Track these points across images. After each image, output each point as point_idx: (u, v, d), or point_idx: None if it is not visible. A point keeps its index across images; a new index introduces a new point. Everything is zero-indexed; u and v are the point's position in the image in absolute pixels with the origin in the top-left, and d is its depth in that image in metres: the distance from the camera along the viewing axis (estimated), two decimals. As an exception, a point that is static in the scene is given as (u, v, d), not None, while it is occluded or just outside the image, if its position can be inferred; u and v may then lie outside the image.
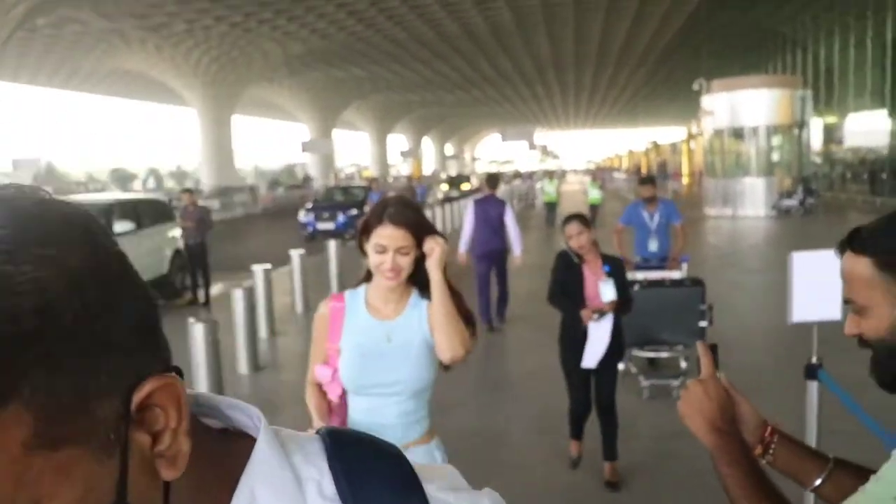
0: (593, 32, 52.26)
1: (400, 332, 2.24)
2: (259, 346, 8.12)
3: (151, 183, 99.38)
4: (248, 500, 0.65)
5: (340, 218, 22.63)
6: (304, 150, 57.32)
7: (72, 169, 78.97)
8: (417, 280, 2.27)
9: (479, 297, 9.23)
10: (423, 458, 2.20)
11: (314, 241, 20.83)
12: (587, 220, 4.68)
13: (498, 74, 70.77)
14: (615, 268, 4.67)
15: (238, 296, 7.80)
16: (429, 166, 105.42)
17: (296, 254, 10.84)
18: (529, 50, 59.20)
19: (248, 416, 0.70)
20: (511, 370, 8.01)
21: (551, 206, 25.20)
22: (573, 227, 4.54)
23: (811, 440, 3.46)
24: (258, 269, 9.31)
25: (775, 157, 26.70)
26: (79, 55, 58.10)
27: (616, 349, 4.72)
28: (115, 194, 16.99)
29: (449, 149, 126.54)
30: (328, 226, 22.50)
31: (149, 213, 12.13)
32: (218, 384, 5.97)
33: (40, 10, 39.71)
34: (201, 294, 11.86)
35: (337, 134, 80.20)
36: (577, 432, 4.96)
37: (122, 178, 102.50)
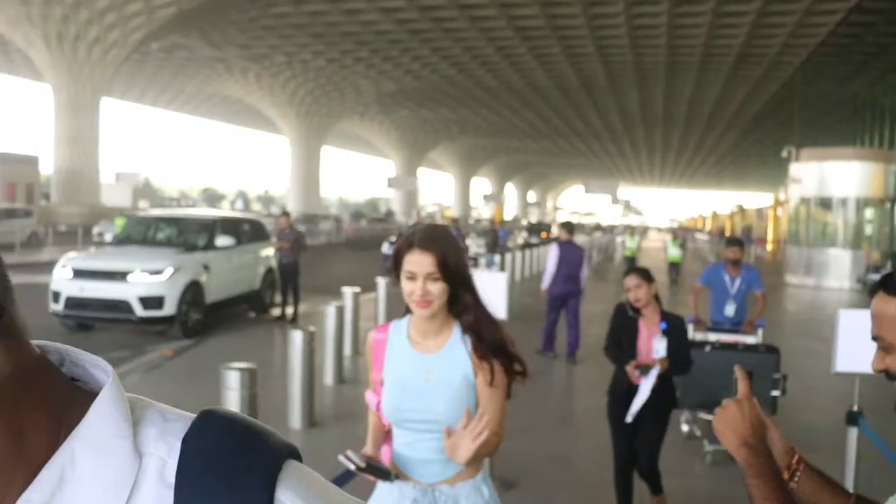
0: (684, 93, 52.26)
1: (440, 367, 2.14)
2: (344, 361, 8.64)
3: (240, 205, 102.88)
4: (67, 462, 0.58)
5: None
6: (389, 186, 58.59)
7: (166, 185, 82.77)
8: (456, 311, 2.17)
9: (547, 322, 10.16)
10: (470, 493, 2.11)
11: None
12: (648, 274, 4.64)
13: (586, 127, 71.17)
14: (673, 325, 4.53)
15: (330, 312, 8.37)
16: (510, 211, 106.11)
17: (382, 281, 11.47)
18: (619, 106, 59.47)
19: (107, 375, 0.64)
20: (576, 406, 8.27)
21: (631, 261, 25.40)
22: (631, 280, 4.50)
23: (849, 483, 3.67)
24: (348, 291, 9.92)
25: (864, 229, 26.27)
26: (183, 79, 61.15)
27: (661, 410, 4.49)
28: (219, 212, 17.90)
29: (531, 196, 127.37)
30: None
31: (247, 232, 12.97)
32: (309, 388, 6.47)
33: (155, 36, 42.20)
34: (290, 311, 12.51)
35: (422, 172, 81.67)
36: (624, 500, 4.67)
37: (212, 198, 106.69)
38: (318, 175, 64.36)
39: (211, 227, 11.82)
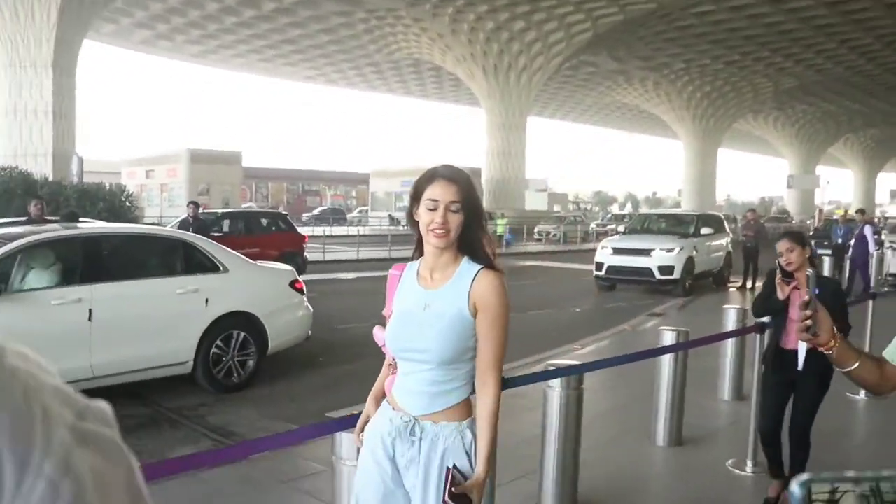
0: None
1: (438, 301, 2.17)
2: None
3: (629, 207, 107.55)
4: None
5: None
6: (789, 186, 58.17)
7: (563, 189, 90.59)
8: (466, 245, 2.20)
9: None
10: (451, 434, 2.11)
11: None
12: (801, 237, 4.36)
13: None
14: (828, 291, 4.05)
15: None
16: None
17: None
18: None
19: None
20: None
21: None
22: (784, 244, 4.21)
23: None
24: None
25: None
26: (585, 92, 66.96)
27: (824, 373, 4.09)
28: (696, 211, 22.49)
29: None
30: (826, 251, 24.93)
31: (715, 224, 16.93)
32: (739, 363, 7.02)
33: (570, 59, 47.90)
34: (749, 284, 16.00)
35: (820, 170, 78.54)
36: (774, 468, 4.45)
37: (603, 201, 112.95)
38: (713, 176, 65.87)
39: (696, 221, 16.39)
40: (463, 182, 2.15)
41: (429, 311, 2.17)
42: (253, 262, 7.74)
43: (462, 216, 2.12)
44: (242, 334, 6.94)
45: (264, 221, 17.73)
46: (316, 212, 54.88)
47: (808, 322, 1.91)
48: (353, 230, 32.82)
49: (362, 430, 2.34)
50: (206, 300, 6.72)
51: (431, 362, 2.12)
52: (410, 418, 2.14)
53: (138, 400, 6.51)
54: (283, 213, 20.32)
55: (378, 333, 2.38)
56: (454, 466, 2.07)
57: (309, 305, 7.83)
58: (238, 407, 6.45)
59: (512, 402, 6.36)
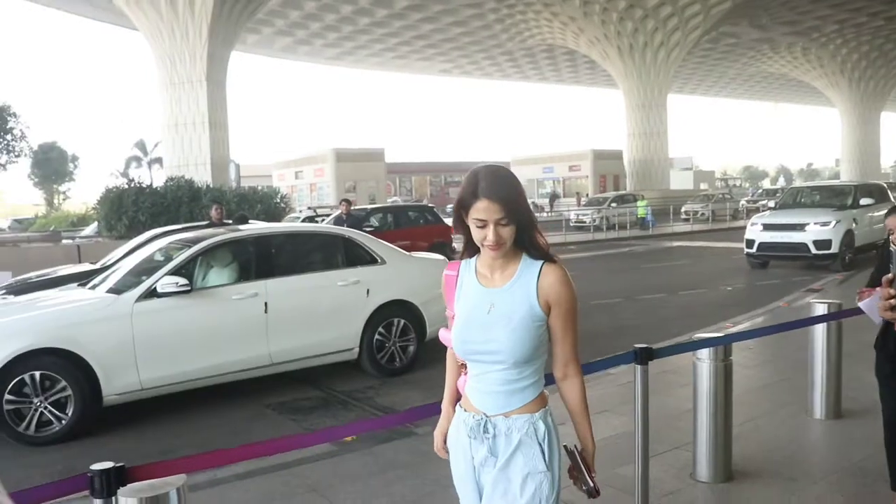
0: None
1: (505, 300, 2.11)
2: None
3: (781, 181, 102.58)
4: None
5: None
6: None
7: (709, 166, 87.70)
8: (522, 243, 2.15)
9: None
10: (524, 426, 2.10)
11: None
12: None
13: None
14: None
15: None
16: None
17: None
18: None
19: None
20: None
21: None
22: (893, 220, 3.94)
23: None
24: None
25: None
26: (725, 64, 64.35)
27: None
28: (855, 181, 21.61)
29: None
30: None
31: (877, 194, 16.06)
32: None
33: (709, 31, 46.16)
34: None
35: None
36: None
37: (754, 175, 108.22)
38: (875, 142, 61.75)
39: (854, 192, 15.58)
40: (506, 194, 2.04)
41: (495, 311, 2.11)
42: (408, 253, 8.23)
43: (513, 226, 2.06)
44: (402, 321, 7.42)
45: (412, 215, 18.46)
46: (459, 202, 55.72)
47: (894, 301, 1.77)
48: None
49: (444, 436, 2.33)
50: (367, 290, 7.24)
51: (505, 363, 2.09)
52: (482, 416, 2.13)
53: (312, 385, 7.12)
54: (430, 205, 21.00)
55: (445, 335, 2.32)
56: (574, 446, 2.15)
57: (461, 292, 8.22)
58: (402, 389, 6.92)
59: (664, 377, 6.50)
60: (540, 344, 2.11)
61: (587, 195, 46.18)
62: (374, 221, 16.57)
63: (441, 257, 8.64)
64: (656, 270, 16.57)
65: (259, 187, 21.96)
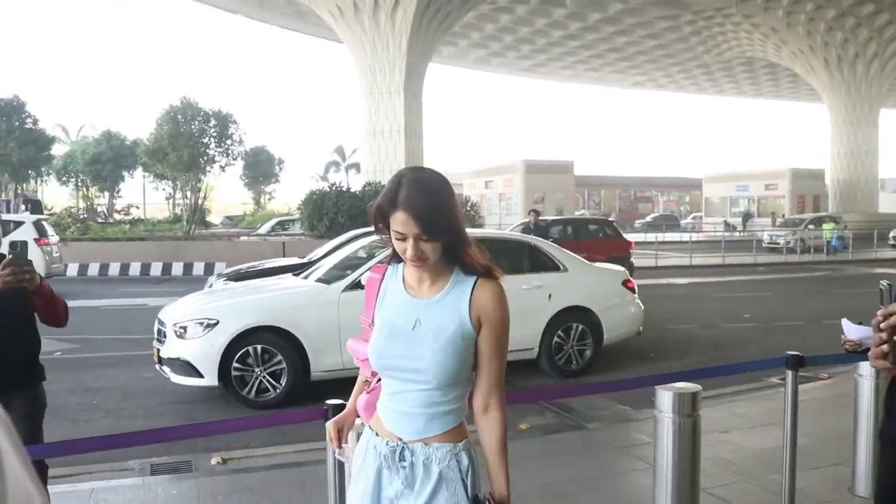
0: None
1: (433, 314, 1.90)
2: None
3: None
4: None
5: None
6: None
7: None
8: (453, 258, 1.92)
9: None
10: (445, 457, 1.86)
11: None
12: None
13: None
14: None
15: None
16: None
17: None
18: None
19: None
20: None
21: None
22: None
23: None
24: None
25: None
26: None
27: None
28: None
29: None
30: None
31: None
32: None
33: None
34: None
35: None
36: None
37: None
38: None
39: None
40: (427, 208, 1.81)
41: (421, 326, 1.89)
42: (589, 262, 8.73)
43: (436, 242, 1.84)
44: (581, 326, 7.93)
45: (592, 228, 18.88)
46: (648, 218, 55.04)
47: (885, 347, 1.52)
48: (685, 236, 32.64)
49: (337, 428, 2.12)
50: (549, 295, 7.81)
51: (427, 383, 1.86)
52: (397, 443, 1.89)
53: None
54: (611, 219, 21.24)
55: (355, 345, 2.12)
56: (490, 494, 1.89)
57: (640, 303, 8.61)
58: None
59: (826, 392, 6.60)
60: (465, 365, 1.90)
61: (783, 216, 44.05)
62: (554, 233, 17.09)
63: (621, 268, 9.06)
64: (849, 296, 15.88)
65: (450, 195, 23.17)
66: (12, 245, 2.85)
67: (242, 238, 26.66)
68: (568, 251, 8.61)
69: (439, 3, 30.85)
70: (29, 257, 2.83)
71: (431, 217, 1.81)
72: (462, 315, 1.88)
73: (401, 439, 1.89)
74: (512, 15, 43.76)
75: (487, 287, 1.90)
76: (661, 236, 33.12)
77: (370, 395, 2.04)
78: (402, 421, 1.90)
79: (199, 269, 20.40)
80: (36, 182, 36.15)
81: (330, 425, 2.13)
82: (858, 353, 2.79)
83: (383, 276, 2.04)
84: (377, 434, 1.95)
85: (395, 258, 2.00)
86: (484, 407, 1.93)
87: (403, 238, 1.83)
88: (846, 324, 2.89)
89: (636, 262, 18.57)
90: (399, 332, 1.92)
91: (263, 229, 30.16)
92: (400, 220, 1.82)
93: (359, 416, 2.11)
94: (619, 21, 44.22)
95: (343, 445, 2.11)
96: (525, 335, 7.68)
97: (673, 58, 53.77)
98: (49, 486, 4.33)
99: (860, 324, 2.69)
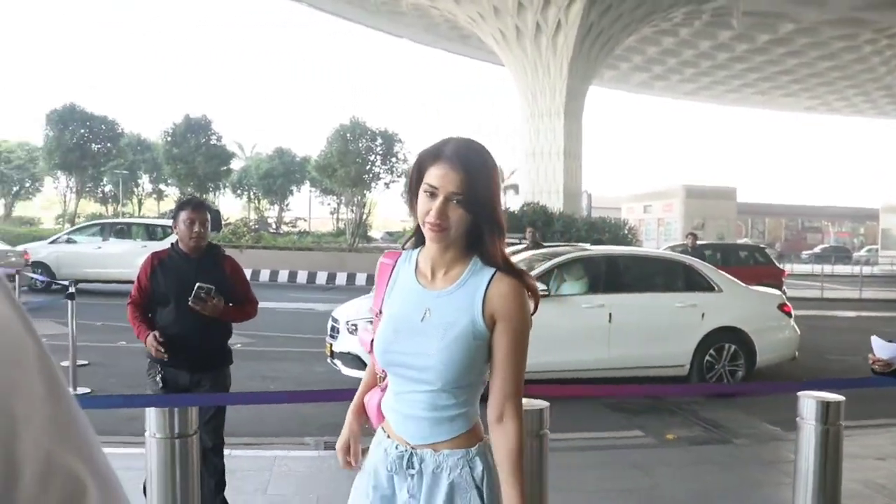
0: None
1: (443, 306, 1.74)
2: None
3: None
4: None
5: None
6: None
7: None
8: (474, 246, 1.76)
9: None
10: (458, 465, 1.71)
11: None
12: None
13: None
14: None
15: None
16: None
17: None
18: None
19: None
20: None
21: None
22: None
23: None
24: None
25: None
26: None
27: None
28: None
29: None
30: None
31: None
32: None
33: None
34: None
35: None
36: None
37: None
38: None
39: None
40: (473, 168, 1.69)
41: (430, 319, 1.74)
42: (745, 285, 8.73)
43: (466, 212, 1.68)
44: (733, 347, 7.96)
45: (742, 254, 18.59)
46: (816, 249, 52.14)
47: None
48: (857, 269, 30.88)
49: (345, 450, 1.97)
50: (703, 314, 7.91)
51: (432, 383, 1.71)
52: (406, 448, 1.76)
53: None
54: (762, 246, 20.56)
55: (364, 336, 1.95)
56: None
57: (796, 327, 8.50)
58: (725, 408, 7.44)
59: None
60: (475, 366, 1.73)
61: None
62: (705, 257, 16.88)
63: (777, 292, 8.98)
64: None
65: (608, 218, 23.30)
66: (199, 288, 3.69)
67: (402, 252, 27.84)
68: (723, 273, 8.66)
69: (601, 28, 30.99)
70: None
71: (473, 176, 1.68)
72: (475, 311, 1.72)
73: (409, 444, 1.76)
74: (675, 38, 43.08)
75: (505, 282, 1.73)
76: (829, 269, 31.48)
77: (378, 392, 1.92)
78: (408, 424, 1.77)
79: (361, 279, 21.53)
80: (214, 194, 39.16)
81: (338, 454, 1.99)
82: (886, 374, 2.62)
83: (396, 261, 1.90)
84: (388, 436, 1.83)
85: (413, 243, 1.88)
86: (498, 416, 1.73)
87: (433, 194, 1.68)
88: (876, 341, 2.77)
89: (798, 293, 17.94)
90: (407, 324, 1.77)
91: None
92: (437, 173, 1.68)
93: (367, 421, 1.96)
94: (791, 42, 42.49)
95: (360, 459, 1.96)
96: (676, 351, 7.82)
97: (850, 80, 50.91)
98: (237, 451, 5.04)
99: (892, 342, 2.55)
